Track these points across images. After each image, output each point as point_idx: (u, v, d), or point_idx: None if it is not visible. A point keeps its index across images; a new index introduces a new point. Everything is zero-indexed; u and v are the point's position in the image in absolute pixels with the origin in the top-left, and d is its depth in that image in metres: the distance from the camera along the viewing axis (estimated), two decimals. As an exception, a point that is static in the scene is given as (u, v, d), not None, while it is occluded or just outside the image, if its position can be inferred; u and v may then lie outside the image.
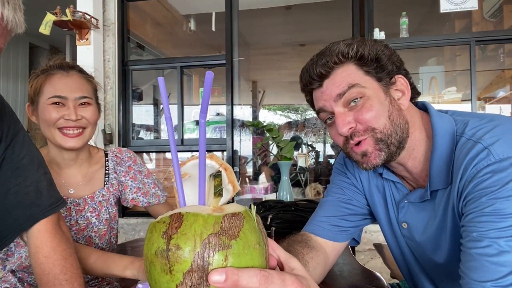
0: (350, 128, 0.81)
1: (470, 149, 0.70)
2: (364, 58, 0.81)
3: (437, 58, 4.21)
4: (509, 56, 4.01)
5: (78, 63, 1.24)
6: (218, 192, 0.46)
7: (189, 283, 0.38)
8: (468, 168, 0.69)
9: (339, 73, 0.82)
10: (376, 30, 3.16)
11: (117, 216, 1.33)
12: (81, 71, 1.19)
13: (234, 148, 3.52)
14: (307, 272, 0.48)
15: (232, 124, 3.48)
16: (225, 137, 3.55)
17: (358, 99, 0.80)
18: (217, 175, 0.47)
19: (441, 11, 3.03)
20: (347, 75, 0.81)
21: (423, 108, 0.90)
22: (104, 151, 1.35)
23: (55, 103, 1.10)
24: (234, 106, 3.52)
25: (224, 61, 3.50)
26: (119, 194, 1.33)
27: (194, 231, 0.39)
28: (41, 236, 0.84)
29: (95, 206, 1.24)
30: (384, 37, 3.18)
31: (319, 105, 0.87)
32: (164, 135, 4.31)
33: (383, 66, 0.82)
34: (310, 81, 0.86)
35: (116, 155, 1.34)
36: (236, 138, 3.54)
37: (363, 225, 1.05)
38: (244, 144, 3.80)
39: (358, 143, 0.82)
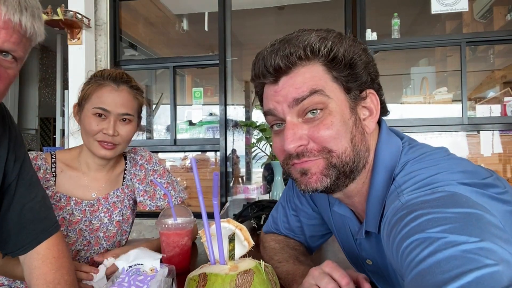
0: (300, 146, 0.66)
1: (392, 202, 0.62)
2: (337, 60, 0.65)
3: (428, 59, 4.24)
4: (499, 57, 4.06)
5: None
6: (232, 256, 0.60)
7: None
8: (391, 223, 0.58)
9: (302, 73, 0.66)
10: (368, 31, 3.19)
11: (131, 219, 1.31)
12: (132, 87, 1.19)
13: (233, 148, 3.52)
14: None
15: (226, 124, 3.48)
16: (218, 137, 3.54)
17: (318, 110, 0.65)
18: (231, 240, 0.60)
19: (432, 12, 3.06)
20: (311, 77, 0.65)
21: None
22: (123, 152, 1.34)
23: (98, 114, 1.12)
24: (227, 106, 3.51)
25: (217, 61, 3.50)
26: (135, 196, 1.31)
27: None
28: (51, 242, 0.87)
29: (109, 207, 1.24)
30: (376, 38, 3.20)
31: (268, 106, 0.70)
32: (156, 135, 4.29)
33: (356, 74, 0.67)
34: (264, 74, 0.68)
35: (131, 155, 1.34)
36: (229, 138, 3.54)
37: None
38: (237, 144, 3.79)
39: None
